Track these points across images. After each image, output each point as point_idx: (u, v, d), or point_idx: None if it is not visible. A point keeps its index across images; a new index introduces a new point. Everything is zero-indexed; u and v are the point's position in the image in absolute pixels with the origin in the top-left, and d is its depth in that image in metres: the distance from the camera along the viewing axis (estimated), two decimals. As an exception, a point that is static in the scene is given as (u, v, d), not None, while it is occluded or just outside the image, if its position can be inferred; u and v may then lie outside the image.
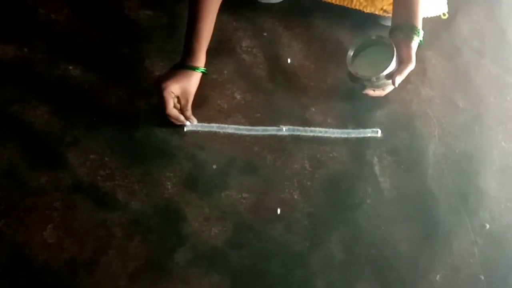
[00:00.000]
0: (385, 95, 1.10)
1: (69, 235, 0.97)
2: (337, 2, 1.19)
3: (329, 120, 1.10)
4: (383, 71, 1.00)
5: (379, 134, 1.08)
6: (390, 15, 1.16)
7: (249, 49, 1.18)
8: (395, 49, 1.00)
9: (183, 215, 1.00)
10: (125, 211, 1.00)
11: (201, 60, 1.05)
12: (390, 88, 1.07)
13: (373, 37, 1.05)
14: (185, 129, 1.08)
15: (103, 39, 1.20)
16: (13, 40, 1.19)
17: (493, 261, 0.96)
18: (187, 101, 1.05)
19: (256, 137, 1.08)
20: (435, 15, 1.19)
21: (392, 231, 0.99)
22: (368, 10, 1.17)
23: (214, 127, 1.09)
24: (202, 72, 1.05)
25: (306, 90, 1.14)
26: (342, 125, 1.09)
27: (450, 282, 0.94)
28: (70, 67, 1.16)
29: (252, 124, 1.09)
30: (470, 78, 1.17)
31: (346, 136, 1.08)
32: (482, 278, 0.94)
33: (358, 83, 1.06)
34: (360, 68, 1.04)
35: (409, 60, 1.00)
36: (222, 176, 1.04)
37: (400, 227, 0.99)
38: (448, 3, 1.21)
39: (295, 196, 1.02)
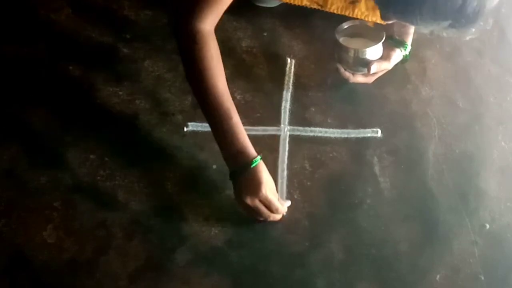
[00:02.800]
0: (386, 96, 1.10)
1: (69, 235, 0.97)
2: (339, 12, 1.19)
3: (329, 120, 1.10)
4: (365, 48, 1.06)
5: (379, 134, 1.08)
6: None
7: (249, 49, 1.18)
8: (383, 39, 1.06)
9: (183, 215, 1.00)
10: (125, 211, 1.00)
11: (252, 149, 0.94)
12: (360, 79, 1.10)
13: (368, 25, 1.11)
14: (185, 129, 1.08)
15: (103, 39, 1.20)
16: (13, 40, 1.19)
17: (493, 261, 0.96)
18: (273, 193, 0.94)
19: (256, 137, 1.08)
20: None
21: (392, 231, 0.99)
22: (369, 19, 1.18)
23: (214, 127, 1.09)
24: (260, 158, 0.94)
25: (306, 90, 1.14)
26: (342, 125, 1.09)
27: (450, 282, 0.94)
28: (70, 67, 1.16)
29: (252, 124, 1.09)
30: (470, 78, 1.17)
31: (346, 136, 1.08)
32: (482, 278, 0.94)
33: (337, 53, 1.09)
34: (345, 41, 1.09)
35: (387, 58, 1.08)
36: (222, 176, 1.04)
37: (400, 227, 0.99)
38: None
39: (295, 196, 1.02)
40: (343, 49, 1.07)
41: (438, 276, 0.94)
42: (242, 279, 0.94)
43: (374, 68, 1.07)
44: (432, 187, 1.03)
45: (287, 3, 1.17)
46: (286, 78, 1.15)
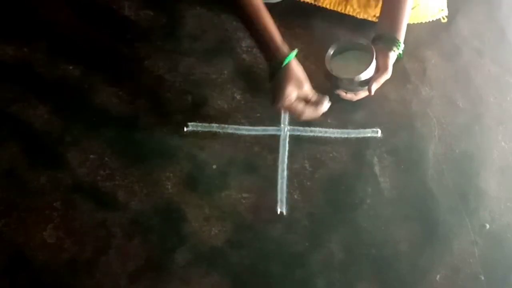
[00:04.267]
0: (386, 96, 1.10)
1: (69, 235, 0.97)
2: (332, 7, 1.20)
3: (329, 120, 1.10)
4: (358, 75, 1.03)
5: (379, 134, 1.08)
6: None
7: (249, 49, 1.18)
8: (374, 55, 1.03)
9: (183, 215, 1.00)
10: (125, 211, 1.00)
11: (285, 47, 0.97)
12: (363, 94, 1.08)
13: (355, 41, 1.07)
14: (185, 129, 1.08)
15: (103, 39, 1.20)
16: (13, 40, 1.19)
17: (493, 261, 0.96)
18: (307, 87, 0.97)
19: (256, 137, 1.08)
20: (435, 19, 1.20)
21: (392, 231, 0.99)
22: (361, 16, 1.19)
23: (214, 127, 1.09)
24: (296, 54, 0.97)
25: (306, 90, 1.14)
26: (342, 125, 1.09)
27: (450, 282, 0.94)
28: (70, 67, 1.16)
29: (252, 124, 1.09)
30: (470, 78, 1.17)
31: (346, 136, 1.08)
32: (482, 278, 0.94)
33: (332, 82, 1.07)
34: (337, 68, 1.06)
35: (385, 69, 1.04)
36: (222, 176, 1.04)
37: (400, 227, 0.99)
38: (448, 4, 1.21)
39: (295, 196, 1.02)
40: (338, 79, 1.05)
41: (438, 276, 0.94)
42: (242, 279, 0.94)
43: (375, 87, 1.04)
44: (432, 187, 1.03)
45: (285, 0, 1.18)
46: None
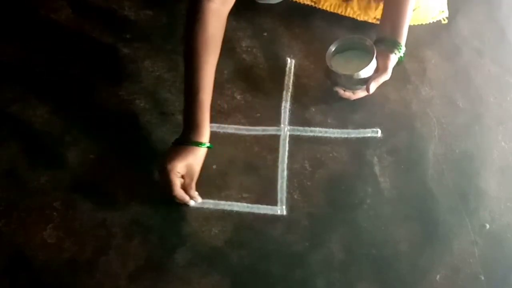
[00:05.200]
0: (386, 96, 1.10)
1: (69, 235, 0.97)
2: (332, 10, 1.21)
3: (329, 120, 1.10)
4: (357, 72, 1.03)
5: (379, 134, 1.08)
6: None
7: (249, 49, 1.18)
8: (375, 55, 1.03)
9: (183, 215, 1.00)
10: (125, 211, 1.00)
11: (206, 133, 0.98)
12: (361, 93, 1.08)
13: (357, 40, 1.07)
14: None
15: (103, 39, 1.20)
16: (13, 40, 1.19)
17: (493, 261, 0.96)
18: (191, 179, 0.98)
19: (256, 137, 1.08)
20: (435, 21, 1.20)
21: (392, 231, 0.99)
22: (361, 18, 1.20)
23: (214, 127, 1.08)
24: (208, 147, 0.99)
25: (306, 90, 1.14)
26: (342, 125, 1.09)
27: (450, 282, 0.94)
28: (70, 67, 1.16)
29: (252, 124, 1.09)
30: (470, 78, 1.17)
31: (346, 136, 1.08)
32: (482, 278, 0.94)
33: (332, 79, 1.08)
34: (337, 65, 1.06)
35: (384, 69, 1.05)
36: (222, 176, 1.04)
37: (400, 227, 0.99)
38: (448, 4, 1.21)
39: (295, 196, 1.02)
40: (337, 75, 1.05)
41: (438, 276, 0.94)
42: (242, 279, 0.94)
43: (373, 87, 1.05)
44: (432, 187, 1.03)
45: (284, 0, 1.18)
46: (286, 78, 1.15)
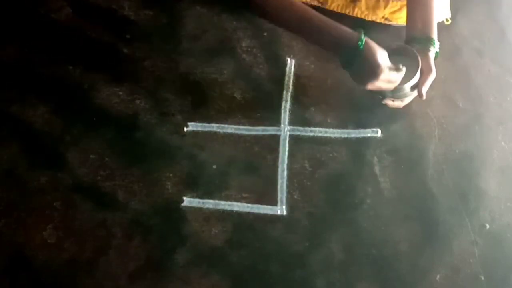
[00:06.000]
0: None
1: (69, 235, 0.97)
2: (339, 10, 1.19)
3: (329, 120, 1.10)
4: (408, 81, 1.00)
5: (379, 134, 1.08)
6: (392, 23, 1.18)
7: (249, 49, 1.18)
8: (420, 60, 1.00)
9: (183, 215, 1.00)
10: (125, 211, 1.00)
11: (348, 28, 0.93)
12: (409, 99, 1.07)
13: (396, 47, 1.04)
14: (185, 129, 1.08)
15: (103, 39, 1.20)
16: (13, 40, 1.19)
17: (493, 261, 0.96)
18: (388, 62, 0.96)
19: (256, 137, 1.08)
20: (439, 21, 1.20)
21: (392, 231, 0.99)
22: (369, 18, 1.18)
23: (214, 127, 1.09)
24: (363, 36, 0.93)
25: (306, 90, 1.14)
26: (342, 125, 1.09)
27: (450, 282, 0.94)
28: (70, 67, 1.16)
29: (252, 124, 1.09)
30: (470, 78, 1.17)
31: (346, 136, 1.08)
32: (482, 278, 0.94)
33: (377, 92, 1.04)
34: None
35: (429, 69, 1.02)
36: (222, 176, 1.04)
37: (400, 227, 0.99)
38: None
39: (295, 196, 1.02)
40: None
41: (438, 276, 0.94)
42: (242, 279, 0.94)
43: (425, 90, 1.02)
44: (432, 187, 1.03)
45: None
46: (286, 78, 1.15)
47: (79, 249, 0.96)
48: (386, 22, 1.18)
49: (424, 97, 1.02)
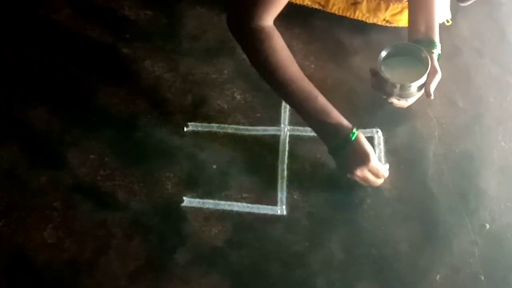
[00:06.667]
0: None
1: (69, 235, 0.97)
2: (341, 13, 1.20)
3: (329, 120, 1.10)
4: (417, 80, 1.00)
5: (379, 134, 1.08)
6: (393, 25, 1.18)
7: (249, 49, 1.18)
8: (430, 60, 1.00)
9: (183, 215, 1.00)
10: (125, 211, 1.00)
11: (347, 123, 0.96)
12: (413, 99, 1.07)
13: (402, 46, 1.04)
14: (185, 129, 1.08)
15: (103, 39, 1.20)
16: (13, 40, 1.19)
17: (493, 261, 0.96)
18: (373, 164, 0.96)
19: (256, 137, 1.08)
20: (440, 23, 1.20)
21: (392, 231, 0.99)
22: (370, 20, 1.19)
23: (214, 127, 1.09)
24: (355, 131, 0.95)
25: (306, 90, 1.14)
26: (342, 125, 1.09)
27: (450, 282, 0.94)
28: (70, 67, 1.16)
29: (252, 124, 1.09)
30: (470, 78, 1.17)
31: (346, 136, 1.08)
32: (482, 278, 0.94)
33: (383, 90, 1.04)
34: (390, 75, 1.02)
35: (435, 71, 1.02)
36: (222, 176, 1.04)
37: (400, 227, 0.99)
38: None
39: (295, 196, 1.02)
40: (393, 85, 1.01)
41: (438, 276, 0.94)
42: (242, 279, 0.94)
43: (432, 89, 1.02)
44: (432, 187, 1.03)
45: (288, 2, 1.17)
46: (286, 78, 1.15)
47: (79, 249, 0.96)
48: (387, 24, 1.18)
49: (432, 97, 1.03)
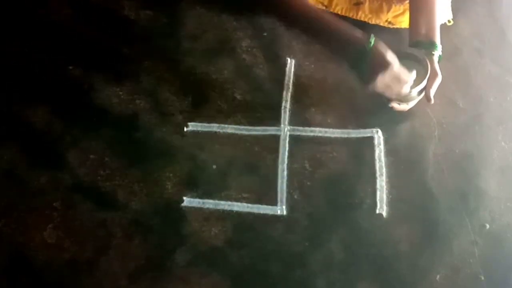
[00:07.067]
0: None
1: (69, 235, 0.97)
2: (343, 13, 1.20)
3: (329, 120, 1.10)
4: (417, 85, 1.00)
5: (379, 134, 1.08)
6: (395, 26, 1.18)
7: (249, 49, 1.18)
8: (429, 66, 1.01)
9: (183, 215, 1.00)
10: (125, 211, 1.00)
11: (361, 32, 0.95)
12: (414, 102, 1.07)
13: (404, 51, 1.03)
14: (185, 129, 1.08)
15: (103, 39, 1.20)
16: (13, 40, 1.19)
17: (493, 261, 0.96)
18: (396, 70, 0.96)
19: (256, 137, 1.08)
20: (441, 23, 1.20)
21: (392, 231, 0.99)
22: (373, 22, 1.19)
23: (214, 127, 1.09)
24: (371, 41, 0.94)
25: (306, 90, 1.14)
26: (342, 125, 1.09)
27: (450, 282, 0.94)
28: (70, 67, 1.16)
29: (252, 124, 1.09)
30: (470, 78, 1.17)
31: (346, 136, 1.08)
32: (482, 278, 0.94)
33: (383, 95, 1.02)
34: None
35: (435, 74, 1.03)
36: (222, 176, 1.04)
37: (400, 227, 0.99)
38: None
39: (295, 196, 1.02)
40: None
41: (438, 276, 0.94)
42: (242, 279, 0.94)
43: (432, 94, 1.03)
44: (432, 187, 1.03)
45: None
46: (286, 78, 1.15)
47: (79, 249, 0.96)
48: (390, 25, 1.19)
49: (432, 101, 1.03)
